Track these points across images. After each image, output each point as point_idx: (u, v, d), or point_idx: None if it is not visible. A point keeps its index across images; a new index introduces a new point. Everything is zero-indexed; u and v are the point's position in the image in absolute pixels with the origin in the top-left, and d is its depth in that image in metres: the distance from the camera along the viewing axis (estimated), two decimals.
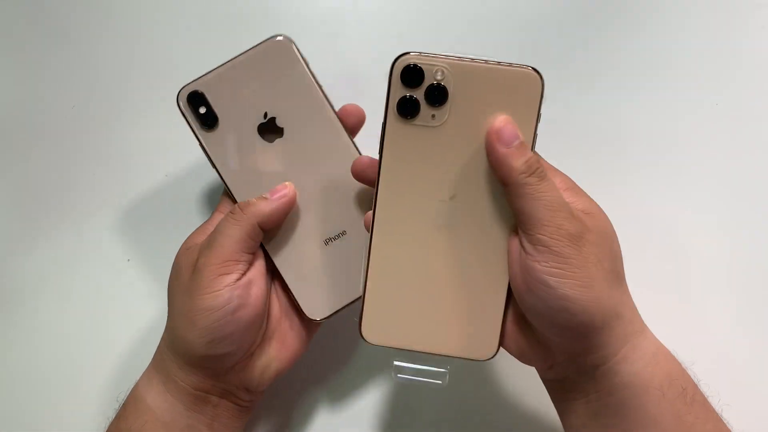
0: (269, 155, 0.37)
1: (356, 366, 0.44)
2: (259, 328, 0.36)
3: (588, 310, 0.30)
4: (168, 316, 0.36)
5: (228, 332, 0.33)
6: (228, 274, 0.34)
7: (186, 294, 0.34)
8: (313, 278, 0.38)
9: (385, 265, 0.33)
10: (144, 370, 0.37)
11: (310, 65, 0.37)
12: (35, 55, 0.49)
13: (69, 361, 0.44)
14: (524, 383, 0.44)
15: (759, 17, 0.49)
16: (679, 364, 0.33)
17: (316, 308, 0.38)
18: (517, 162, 0.30)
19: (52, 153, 0.47)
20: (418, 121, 0.32)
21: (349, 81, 0.47)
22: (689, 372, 0.33)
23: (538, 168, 0.31)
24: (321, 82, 0.37)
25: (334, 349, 0.44)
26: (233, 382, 0.36)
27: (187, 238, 0.37)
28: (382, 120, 0.32)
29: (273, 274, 0.38)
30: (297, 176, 0.37)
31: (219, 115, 0.36)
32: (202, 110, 0.36)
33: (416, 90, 0.31)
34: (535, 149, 0.32)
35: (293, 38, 0.37)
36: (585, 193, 0.34)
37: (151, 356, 0.37)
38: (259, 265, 0.36)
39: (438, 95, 0.31)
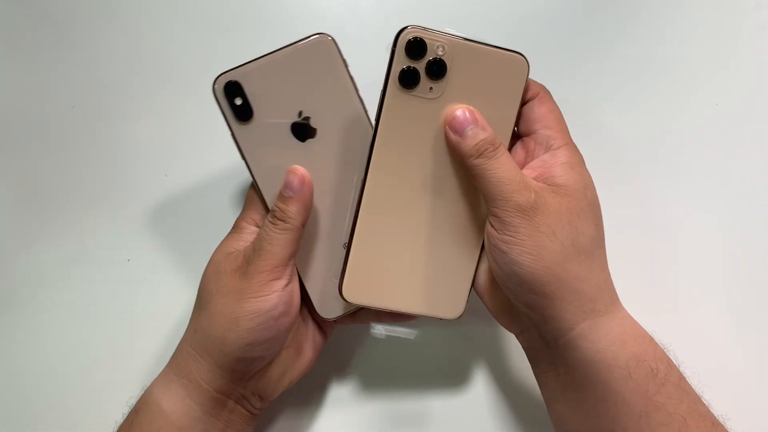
0: (299, 155, 0.36)
1: (355, 372, 0.44)
2: (288, 335, 0.37)
3: (537, 278, 0.32)
4: (199, 318, 0.36)
5: (268, 336, 0.34)
6: (278, 279, 0.34)
7: (230, 296, 0.34)
8: (329, 278, 0.38)
9: (370, 229, 0.35)
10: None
11: (350, 67, 0.36)
12: (36, 55, 0.49)
13: (69, 361, 0.44)
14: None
15: (759, 17, 0.49)
16: (654, 348, 0.33)
17: (329, 308, 0.38)
18: (466, 147, 0.33)
19: (52, 153, 0.47)
20: (416, 92, 0.34)
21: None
22: (670, 356, 0.33)
23: (488, 149, 0.33)
24: (357, 85, 0.37)
25: (332, 356, 0.44)
26: (251, 387, 0.37)
27: (221, 244, 0.37)
28: (381, 89, 0.33)
29: None
30: (323, 178, 0.37)
31: (254, 108, 0.35)
32: (238, 101, 0.35)
33: (418, 62, 0.33)
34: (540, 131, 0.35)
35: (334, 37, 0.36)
36: (581, 171, 0.35)
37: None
38: (296, 275, 0.37)
39: (438, 69, 0.33)
